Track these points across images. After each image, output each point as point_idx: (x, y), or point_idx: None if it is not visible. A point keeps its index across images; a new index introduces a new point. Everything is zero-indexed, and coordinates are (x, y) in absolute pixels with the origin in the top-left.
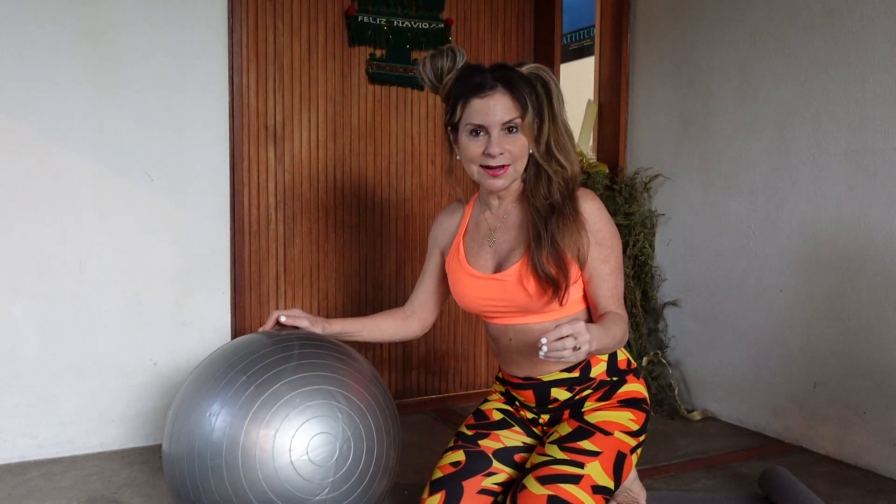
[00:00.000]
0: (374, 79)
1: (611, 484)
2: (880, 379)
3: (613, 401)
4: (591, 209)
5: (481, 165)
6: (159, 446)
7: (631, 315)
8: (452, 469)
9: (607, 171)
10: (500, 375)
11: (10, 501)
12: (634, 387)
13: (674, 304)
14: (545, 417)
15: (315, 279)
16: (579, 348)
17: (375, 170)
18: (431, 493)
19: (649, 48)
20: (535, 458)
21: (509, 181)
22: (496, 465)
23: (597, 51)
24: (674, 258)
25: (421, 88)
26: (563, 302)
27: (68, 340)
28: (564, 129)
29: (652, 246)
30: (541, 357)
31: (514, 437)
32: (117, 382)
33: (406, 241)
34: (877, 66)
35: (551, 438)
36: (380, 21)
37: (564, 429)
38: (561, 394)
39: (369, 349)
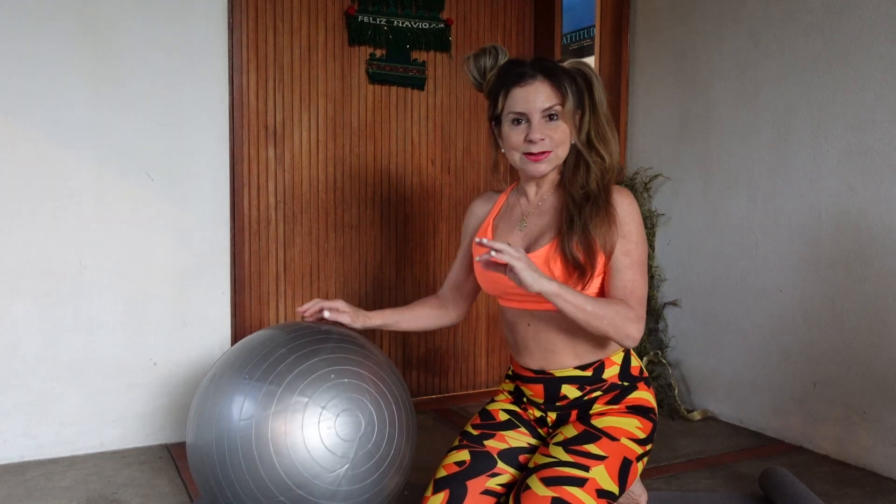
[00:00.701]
0: (374, 79)
1: (615, 489)
2: (880, 379)
3: (622, 406)
4: (624, 204)
5: (524, 153)
6: (159, 446)
7: None
8: (457, 468)
9: None
10: (510, 372)
11: (9, 501)
12: (644, 395)
13: (674, 304)
14: (552, 416)
15: (315, 279)
16: (512, 266)
17: (375, 170)
18: (435, 492)
19: (649, 48)
20: (540, 459)
21: (551, 166)
22: (501, 465)
23: (597, 51)
24: (674, 258)
25: (421, 88)
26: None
27: (68, 340)
28: (606, 122)
29: (652, 246)
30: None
31: (519, 438)
32: (117, 382)
33: (406, 241)
34: (877, 66)
35: (556, 440)
36: (380, 21)
37: (570, 431)
38: (571, 392)
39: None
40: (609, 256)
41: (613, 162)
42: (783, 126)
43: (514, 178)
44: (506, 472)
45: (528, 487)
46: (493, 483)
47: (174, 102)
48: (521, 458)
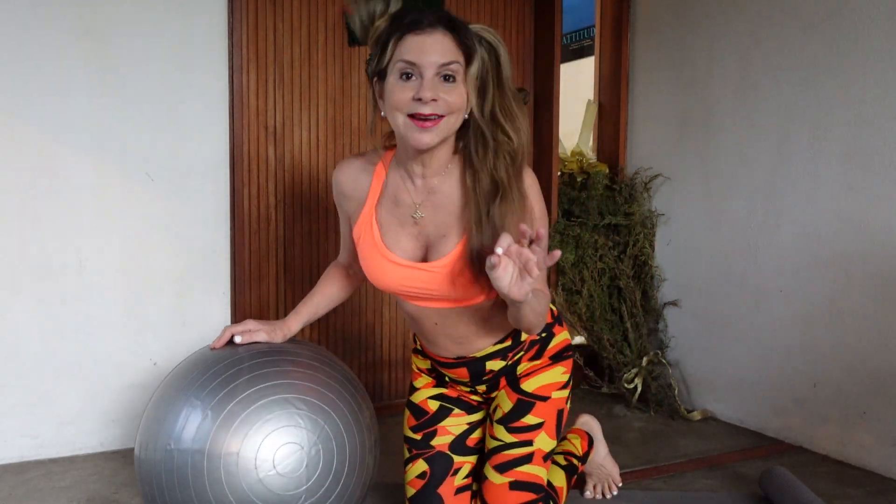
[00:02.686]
0: None
1: (555, 443)
2: (880, 379)
3: (545, 358)
4: (531, 187)
5: (409, 115)
6: None
7: (631, 315)
8: (422, 482)
9: (607, 171)
10: (419, 348)
11: (10, 501)
12: (562, 336)
13: (674, 304)
14: (481, 388)
15: (315, 279)
16: (531, 283)
17: None
18: None
19: (649, 48)
20: (489, 443)
21: (439, 138)
22: (457, 459)
23: (597, 51)
24: (674, 258)
25: None
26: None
27: (68, 340)
28: (513, 97)
29: (652, 246)
30: (487, 267)
31: (458, 423)
32: (117, 382)
33: None
34: (877, 66)
35: (496, 416)
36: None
37: (506, 403)
38: (496, 364)
39: (365, 351)
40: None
41: (523, 142)
42: (783, 126)
43: (389, 146)
44: (465, 463)
45: (486, 478)
46: (460, 479)
47: (174, 102)
48: (469, 441)
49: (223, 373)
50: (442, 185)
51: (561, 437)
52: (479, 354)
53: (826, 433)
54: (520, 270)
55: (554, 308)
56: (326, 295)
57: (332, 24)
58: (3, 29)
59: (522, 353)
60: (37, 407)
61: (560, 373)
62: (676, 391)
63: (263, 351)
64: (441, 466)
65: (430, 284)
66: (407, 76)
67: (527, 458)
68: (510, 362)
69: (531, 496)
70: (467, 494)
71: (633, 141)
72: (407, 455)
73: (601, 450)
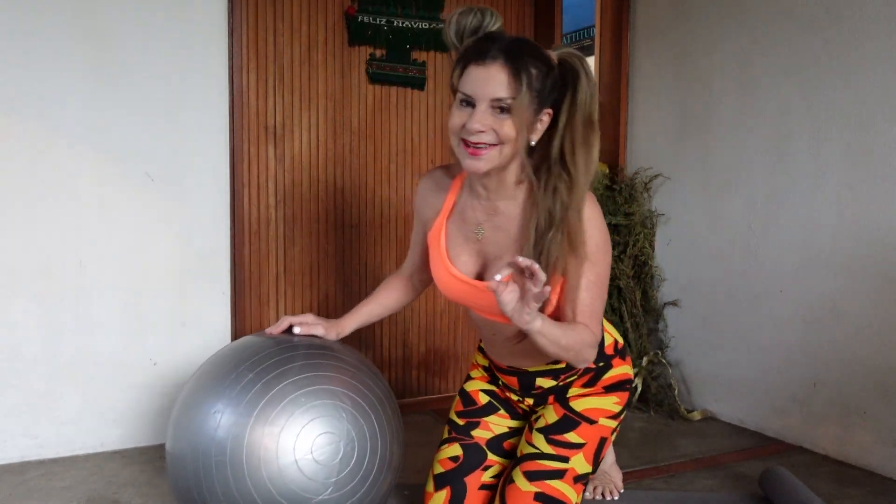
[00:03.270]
0: (374, 79)
1: (590, 469)
2: (880, 379)
3: (598, 387)
4: (590, 220)
5: (461, 138)
6: (160, 446)
7: (631, 315)
8: (452, 465)
9: (607, 171)
10: (482, 346)
11: (10, 501)
12: (620, 370)
13: (674, 304)
14: (529, 401)
15: (315, 279)
16: (529, 313)
17: (375, 170)
18: (437, 489)
19: (649, 48)
20: (524, 447)
21: (489, 166)
22: (491, 457)
23: (597, 51)
24: (674, 258)
25: (421, 88)
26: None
27: (68, 340)
28: (582, 128)
29: (652, 246)
30: (490, 286)
31: (500, 424)
32: (117, 382)
33: (406, 241)
34: (877, 66)
35: (538, 425)
36: (380, 21)
37: (551, 415)
38: (546, 382)
39: (365, 351)
40: (566, 276)
41: (584, 180)
42: (783, 126)
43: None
44: (496, 463)
45: (512, 481)
46: (487, 476)
47: (174, 102)
48: (506, 444)
49: (278, 355)
50: (506, 208)
51: (595, 468)
52: (531, 369)
53: (826, 433)
54: (523, 299)
55: (620, 341)
56: (382, 303)
57: (332, 24)
58: (3, 31)
59: (575, 377)
60: (37, 407)
61: (612, 402)
62: (676, 391)
63: (317, 344)
64: (475, 457)
65: (481, 302)
66: (465, 103)
67: (559, 474)
68: (561, 384)
69: None
70: (488, 494)
71: (633, 141)
72: (445, 436)
73: (608, 458)
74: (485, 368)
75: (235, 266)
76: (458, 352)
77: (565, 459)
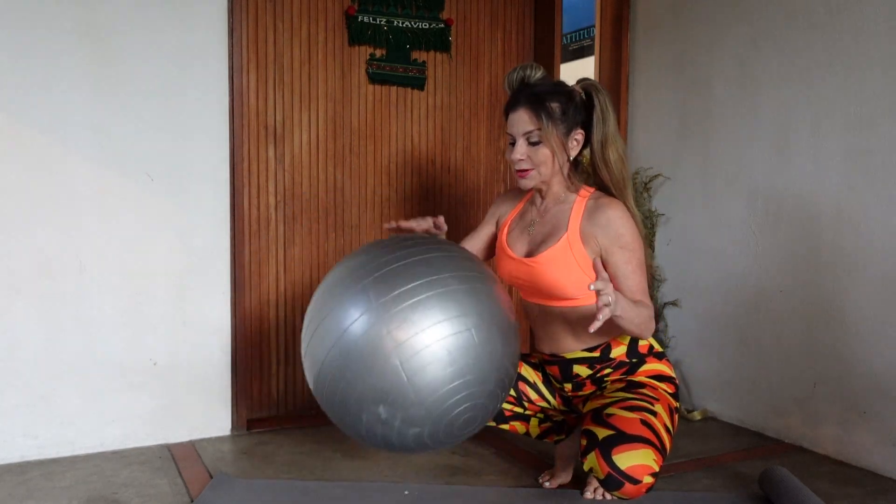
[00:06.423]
0: (374, 79)
1: (670, 425)
2: (880, 379)
3: (638, 375)
4: (615, 216)
5: (515, 168)
6: (160, 446)
7: None
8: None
9: None
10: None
11: (10, 501)
12: (656, 366)
13: (674, 304)
14: (568, 386)
15: (315, 279)
16: (609, 304)
17: (375, 170)
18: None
19: (649, 48)
20: (605, 398)
21: (533, 183)
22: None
23: (597, 51)
24: (674, 258)
25: (421, 88)
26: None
27: (68, 340)
28: (604, 142)
29: (652, 246)
30: (591, 288)
31: (530, 372)
32: (117, 382)
33: None
34: (877, 66)
35: (612, 389)
36: (380, 21)
37: (615, 384)
38: (582, 370)
39: None
40: (605, 262)
41: (614, 179)
42: (783, 126)
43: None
44: (553, 412)
45: (611, 414)
46: (539, 408)
47: (174, 102)
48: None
49: (420, 255)
50: (554, 209)
51: (671, 441)
52: (568, 356)
53: (826, 433)
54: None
55: (657, 348)
56: None
57: (332, 24)
58: (3, 30)
59: (610, 370)
60: (37, 407)
61: (662, 386)
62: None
63: (450, 252)
64: (535, 391)
65: (528, 276)
66: (512, 143)
67: (653, 413)
68: (597, 374)
69: (651, 435)
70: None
71: (633, 141)
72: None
73: None
74: (534, 366)
75: (235, 266)
76: None
77: (652, 403)
